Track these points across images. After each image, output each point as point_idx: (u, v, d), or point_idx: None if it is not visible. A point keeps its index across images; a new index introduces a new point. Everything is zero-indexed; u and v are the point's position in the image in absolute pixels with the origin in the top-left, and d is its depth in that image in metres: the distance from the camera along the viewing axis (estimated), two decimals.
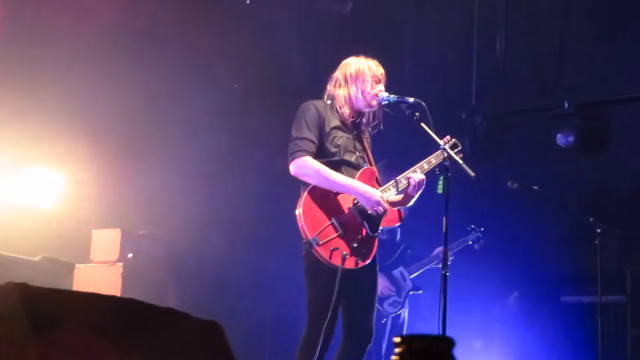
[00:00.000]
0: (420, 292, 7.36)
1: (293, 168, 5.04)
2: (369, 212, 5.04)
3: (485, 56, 8.83)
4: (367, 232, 5.06)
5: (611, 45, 8.28)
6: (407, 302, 7.32)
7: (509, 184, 7.46)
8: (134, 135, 7.94)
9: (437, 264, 7.33)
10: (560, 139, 8.32)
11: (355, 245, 4.98)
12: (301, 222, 4.90)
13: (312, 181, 5.01)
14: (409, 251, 7.43)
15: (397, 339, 2.05)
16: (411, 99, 5.19)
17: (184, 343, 2.76)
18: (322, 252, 4.87)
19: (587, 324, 7.48)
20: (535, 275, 8.34)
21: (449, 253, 7.11)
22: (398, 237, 7.43)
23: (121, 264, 7.02)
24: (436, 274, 7.11)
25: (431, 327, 5.14)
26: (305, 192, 4.98)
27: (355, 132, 5.31)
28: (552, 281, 8.29)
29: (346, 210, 5.04)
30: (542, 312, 8.35)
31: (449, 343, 2.04)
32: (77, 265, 7.12)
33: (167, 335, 2.69)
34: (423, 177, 5.24)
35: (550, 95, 8.63)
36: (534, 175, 8.06)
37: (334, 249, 4.89)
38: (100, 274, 7.00)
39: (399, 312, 7.23)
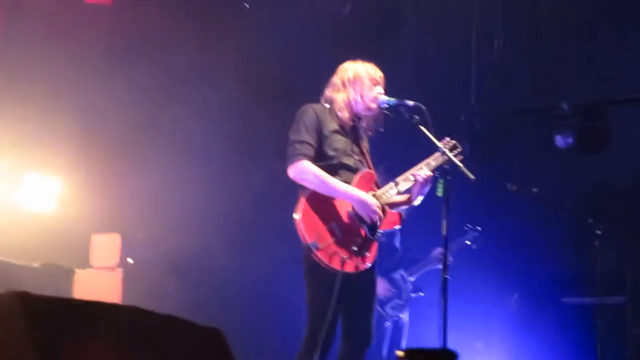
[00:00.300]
0: (422, 294, 7.36)
1: (292, 172, 5.04)
2: (365, 219, 5.04)
3: (484, 57, 8.82)
4: (366, 235, 5.06)
5: (610, 46, 8.28)
6: (407, 305, 7.31)
7: (509, 186, 7.46)
8: (132, 139, 7.94)
9: (437, 265, 7.32)
10: (559, 140, 8.30)
11: (355, 249, 4.98)
12: (300, 227, 4.90)
13: (311, 186, 5.01)
14: (408, 254, 7.43)
15: (401, 353, 2.05)
16: (411, 102, 5.20)
17: (185, 351, 2.75)
18: (322, 257, 4.87)
19: (587, 325, 7.48)
20: (535, 277, 8.34)
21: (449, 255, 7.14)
22: (397, 240, 7.42)
23: (121, 268, 7.02)
24: (436, 276, 7.12)
25: (432, 330, 5.15)
26: (304, 197, 4.99)
27: (354, 136, 5.31)
28: (552, 282, 8.29)
29: (345, 214, 5.04)
30: (542, 314, 8.35)
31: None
32: (77, 270, 7.12)
33: (169, 343, 2.69)
34: (430, 173, 5.23)
35: (549, 96, 8.62)
36: (534, 176, 8.07)
37: (333, 253, 4.89)
38: (100, 279, 7.01)
39: (401, 314, 7.23)
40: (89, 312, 2.60)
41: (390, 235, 7.29)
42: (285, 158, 5.11)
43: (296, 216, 4.94)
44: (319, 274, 4.95)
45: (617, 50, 8.24)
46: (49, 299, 2.61)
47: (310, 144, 5.07)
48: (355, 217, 5.05)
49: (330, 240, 4.92)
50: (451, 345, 4.53)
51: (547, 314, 8.32)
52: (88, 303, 2.72)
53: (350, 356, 5.12)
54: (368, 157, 5.36)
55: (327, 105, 5.28)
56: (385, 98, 5.24)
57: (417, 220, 7.29)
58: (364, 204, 5.02)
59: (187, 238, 7.66)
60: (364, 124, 5.35)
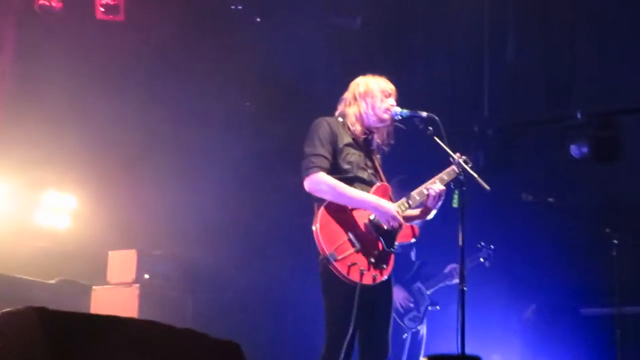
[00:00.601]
0: (438, 307, 7.33)
1: (308, 184, 5.03)
2: (385, 226, 5.03)
3: (497, 68, 8.81)
4: (383, 248, 5.04)
5: (623, 54, 8.25)
6: (425, 318, 7.29)
7: (524, 196, 7.43)
8: (146, 155, 7.97)
9: (451, 280, 7.31)
10: (574, 149, 8.27)
11: (373, 260, 4.97)
12: (318, 238, 4.89)
13: (327, 197, 5.00)
14: (425, 267, 7.41)
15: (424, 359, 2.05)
16: (424, 113, 5.19)
17: None
18: (340, 268, 4.86)
19: (606, 336, 7.43)
20: (552, 288, 8.29)
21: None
22: (413, 253, 7.40)
23: (138, 284, 7.04)
24: (452, 290, 7.10)
25: (449, 342, 5.11)
26: (322, 208, 4.97)
27: (367, 149, 5.31)
28: (570, 293, 8.24)
29: (362, 226, 5.03)
30: (560, 325, 8.30)
31: None
32: (94, 286, 7.15)
33: (188, 357, 2.69)
34: (443, 187, 5.22)
35: (562, 106, 8.59)
36: (549, 186, 8.04)
37: (352, 265, 4.88)
38: (117, 295, 7.03)
39: (419, 327, 7.21)
40: (106, 327, 2.60)
41: (406, 248, 7.27)
42: (300, 171, 5.10)
43: (314, 227, 4.93)
44: (337, 287, 4.92)
45: (631, 60, 8.21)
46: (67, 314, 2.62)
47: (325, 157, 5.06)
48: (373, 229, 5.04)
49: (348, 251, 4.91)
50: None
51: (565, 325, 8.26)
52: (106, 318, 2.73)
53: None
54: (381, 171, 5.35)
55: (341, 119, 5.28)
56: (397, 110, 5.24)
57: (434, 233, 7.28)
58: (383, 210, 5.01)
59: (203, 252, 7.68)
60: (377, 137, 5.34)
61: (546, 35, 8.80)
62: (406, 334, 7.14)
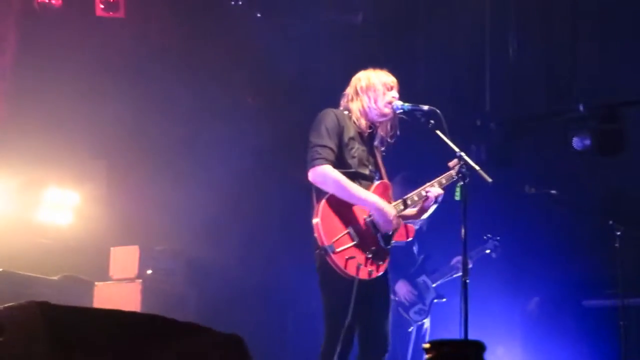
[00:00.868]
0: (444, 300, 7.34)
1: (312, 175, 5.02)
2: (383, 230, 5.03)
3: (498, 61, 8.80)
4: (380, 244, 5.05)
5: (624, 46, 8.24)
6: (430, 310, 7.29)
7: (527, 188, 7.43)
8: (149, 152, 7.98)
9: (457, 273, 7.31)
10: (576, 142, 8.26)
11: (370, 256, 4.97)
12: (318, 230, 4.89)
13: (330, 190, 4.99)
14: (430, 260, 7.41)
15: (427, 345, 2.04)
16: (425, 107, 5.19)
17: (206, 357, 2.75)
18: (337, 260, 4.86)
19: (610, 328, 7.42)
20: (555, 280, 8.28)
21: (470, 262, 7.14)
22: (416, 247, 7.40)
23: (140, 280, 7.04)
24: (457, 282, 7.11)
25: (453, 335, 5.12)
26: (323, 201, 4.97)
27: (370, 145, 5.31)
28: (573, 285, 8.24)
29: (362, 221, 5.03)
30: (563, 317, 8.29)
31: (479, 348, 2.03)
32: (96, 283, 7.15)
33: (190, 349, 2.68)
34: (441, 191, 5.26)
35: (565, 99, 8.58)
36: (551, 179, 8.03)
37: (349, 258, 4.88)
38: (119, 291, 7.03)
39: (425, 320, 7.21)
40: (109, 321, 2.60)
41: (409, 242, 7.27)
42: (305, 162, 5.09)
43: (315, 220, 4.93)
44: (335, 282, 4.93)
45: (633, 52, 8.20)
46: (69, 308, 2.62)
47: (331, 149, 5.05)
48: (371, 225, 5.04)
49: (347, 244, 4.92)
50: None
51: (568, 317, 8.26)
52: (108, 312, 2.73)
53: None
54: (382, 167, 5.36)
55: (347, 112, 5.28)
56: (399, 103, 5.24)
57: (439, 227, 7.28)
58: (382, 212, 5.02)
59: (205, 247, 7.68)
60: (381, 130, 5.34)
61: (548, 27, 8.79)
62: (412, 327, 7.15)
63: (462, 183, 5.10)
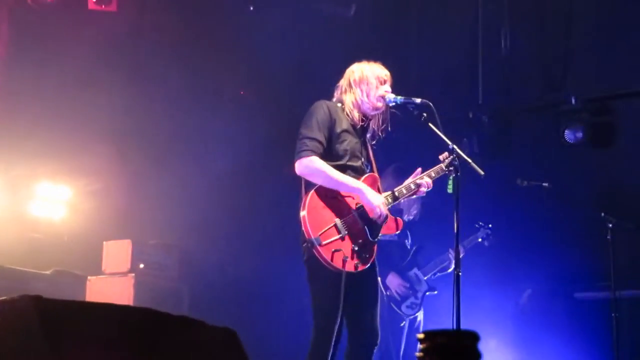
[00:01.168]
0: (436, 292, 7.35)
1: (299, 167, 5.03)
2: (370, 215, 5.03)
3: (491, 54, 8.80)
4: (367, 237, 5.06)
5: (617, 39, 8.25)
6: (423, 303, 7.30)
7: (519, 181, 7.44)
8: (141, 146, 7.96)
9: (449, 266, 7.33)
10: (568, 135, 8.28)
11: (356, 248, 4.99)
12: (305, 223, 4.90)
13: (318, 181, 5.00)
14: (421, 253, 7.41)
15: (421, 335, 2.05)
16: (418, 100, 5.20)
17: (199, 351, 2.75)
18: (324, 253, 4.87)
19: (602, 320, 7.44)
20: (547, 272, 8.30)
21: (462, 252, 7.15)
22: (409, 240, 7.41)
23: (133, 274, 7.04)
24: (449, 275, 7.12)
25: (446, 328, 5.12)
26: (310, 193, 4.98)
27: (362, 138, 5.31)
28: (565, 278, 8.26)
29: (349, 213, 5.04)
30: (555, 309, 8.31)
31: (474, 338, 2.03)
32: (89, 277, 7.15)
33: (183, 343, 2.68)
34: (429, 181, 5.31)
35: (557, 91, 8.60)
36: (544, 172, 8.04)
37: (336, 251, 4.89)
38: (112, 285, 7.03)
39: (417, 313, 7.22)
40: (102, 315, 2.60)
41: (401, 235, 7.28)
42: (294, 153, 5.10)
43: (302, 213, 4.94)
44: (322, 275, 4.95)
45: (625, 44, 8.21)
46: (62, 302, 2.61)
47: (320, 142, 5.06)
48: (359, 217, 5.05)
49: (334, 237, 4.93)
50: None
51: (560, 309, 8.28)
52: (101, 305, 2.73)
53: (358, 355, 5.12)
54: (373, 160, 5.37)
55: (340, 104, 5.28)
56: (392, 96, 5.24)
57: (432, 219, 7.29)
58: (367, 198, 5.03)
59: (198, 242, 7.67)
60: (373, 123, 5.34)
61: (541, 20, 8.79)
62: (404, 322, 7.15)
63: (454, 176, 5.12)
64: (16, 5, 7.69)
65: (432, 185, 5.33)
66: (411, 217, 7.36)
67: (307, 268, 5.05)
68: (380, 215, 5.05)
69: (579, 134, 8.25)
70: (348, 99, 5.26)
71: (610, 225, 7.07)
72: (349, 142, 5.17)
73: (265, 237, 8.11)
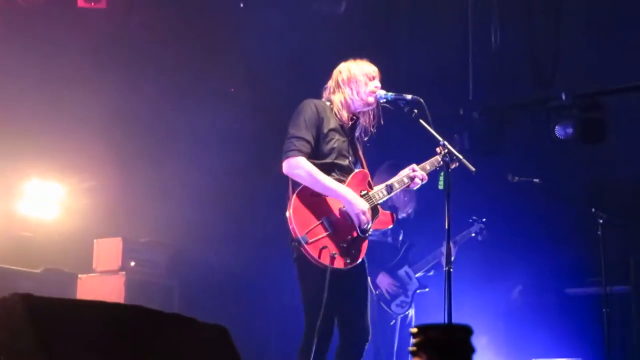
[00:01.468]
0: (427, 290, 7.35)
1: (285, 167, 5.05)
2: (354, 220, 5.04)
3: (481, 50, 8.81)
4: (357, 233, 5.07)
5: (607, 35, 8.26)
6: (413, 301, 7.29)
7: (510, 177, 7.45)
8: (131, 143, 7.93)
9: (442, 261, 7.31)
10: (559, 130, 8.30)
11: (345, 245, 5.00)
12: (291, 222, 4.92)
13: (302, 181, 5.02)
14: (412, 250, 7.40)
15: (414, 330, 2.04)
16: (409, 96, 5.21)
17: (191, 348, 2.75)
18: (311, 251, 4.89)
19: (593, 315, 7.47)
20: (538, 268, 8.32)
21: (454, 247, 7.15)
22: (401, 237, 7.40)
23: (124, 272, 7.02)
24: (441, 272, 7.12)
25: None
26: (296, 192, 5.00)
27: (351, 136, 5.32)
28: (556, 274, 8.28)
29: (337, 211, 5.06)
30: (547, 305, 8.33)
31: (467, 331, 2.03)
32: (79, 275, 7.12)
33: (175, 340, 2.68)
34: (424, 174, 5.32)
35: (547, 88, 8.61)
36: (534, 168, 8.05)
37: (323, 248, 4.91)
38: (103, 283, 7.01)
39: (407, 311, 7.21)
40: (93, 312, 2.59)
41: (394, 233, 7.28)
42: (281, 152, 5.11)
43: (288, 212, 4.96)
44: (311, 273, 4.97)
45: (615, 40, 8.22)
46: (53, 300, 2.60)
47: (307, 141, 5.07)
48: (347, 214, 5.06)
49: (320, 235, 4.94)
50: None
51: (552, 305, 8.30)
52: (92, 303, 2.72)
53: (349, 353, 5.13)
54: (363, 158, 5.38)
55: (329, 103, 5.29)
56: (382, 92, 5.25)
57: (422, 216, 7.28)
58: (352, 204, 5.03)
59: (189, 239, 7.66)
60: (363, 120, 5.34)
61: (531, 16, 8.80)
62: (394, 321, 7.15)
63: (445, 172, 5.13)
64: (5, 4, 7.65)
65: (427, 177, 5.34)
66: (405, 215, 7.36)
67: (297, 266, 5.08)
68: (363, 222, 5.05)
69: (569, 130, 8.27)
70: (337, 98, 5.27)
71: (601, 221, 7.09)
72: (337, 141, 5.18)
73: (257, 235, 8.10)
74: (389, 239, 7.24)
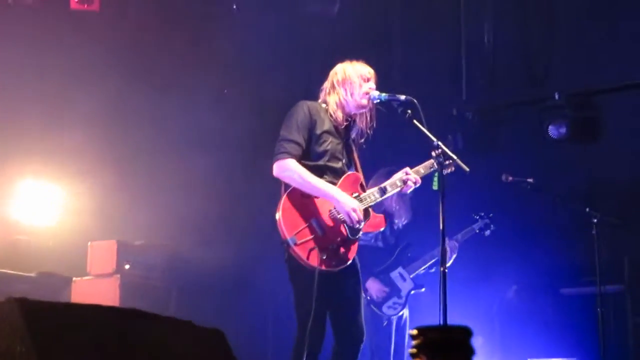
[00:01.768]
0: (423, 290, 7.33)
1: (275, 169, 5.08)
2: (344, 219, 5.04)
3: (474, 50, 8.82)
4: (347, 235, 5.08)
5: (600, 34, 8.27)
6: (408, 302, 7.28)
7: (503, 177, 7.44)
8: (126, 146, 7.93)
9: (438, 260, 7.28)
10: (552, 130, 8.31)
11: (334, 247, 5.02)
12: (280, 224, 4.94)
13: (292, 183, 5.05)
14: (408, 251, 7.38)
15: (414, 331, 2.04)
16: (402, 97, 5.21)
17: (187, 351, 2.74)
18: (299, 252, 4.91)
19: (588, 315, 7.47)
20: (533, 268, 8.32)
21: (456, 244, 7.14)
22: (394, 240, 7.38)
23: (118, 275, 7.01)
24: (435, 272, 7.10)
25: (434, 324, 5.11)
26: (285, 195, 5.03)
27: (346, 138, 5.33)
28: (551, 273, 8.28)
29: (327, 213, 5.08)
30: (542, 305, 8.34)
31: (466, 333, 2.04)
32: (74, 278, 7.11)
33: (171, 344, 2.67)
34: (418, 178, 5.33)
35: (540, 87, 8.62)
36: (528, 168, 8.05)
37: (312, 249, 4.94)
38: (97, 286, 7.00)
39: (400, 313, 7.20)
40: (88, 316, 2.59)
41: (386, 237, 7.27)
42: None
43: (277, 215, 4.97)
44: (301, 274, 4.99)
45: (608, 39, 8.24)
46: (48, 304, 2.60)
47: (298, 143, 5.09)
48: (337, 216, 5.07)
49: (309, 236, 4.96)
50: None
51: (547, 305, 8.31)
52: (88, 307, 2.71)
53: (345, 354, 5.14)
54: (357, 161, 5.39)
55: (324, 105, 5.30)
56: (376, 93, 5.26)
57: (418, 217, 7.28)
58: (341, 203, 5.04)
59: (184, 242, 7.65)
60: (359, 122, 5.35)
61: (523, 15, 8.81)
62: (386, 321, 7.13)
63: (439, 172, 5.13)
64: None
65: (420, 181, 5.35)
66: (402, 221, 7.33)
67: (288, 268, 5.12)
68: (355, 220, 5.05)
69: (563, 130, 8.28)
70: (332, 99, 5.29)
71: (595, 221, 7.09)
72: (330, 143, 5.19)
73: (252, 237, 8.09)
74: (380, 243, 7.24)
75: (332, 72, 5.40)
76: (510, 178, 7.45)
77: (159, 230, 7.62)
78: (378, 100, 5.27)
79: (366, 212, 5.20)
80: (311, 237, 4.97)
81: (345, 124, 5.31)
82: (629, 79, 8.13)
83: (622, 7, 8.21)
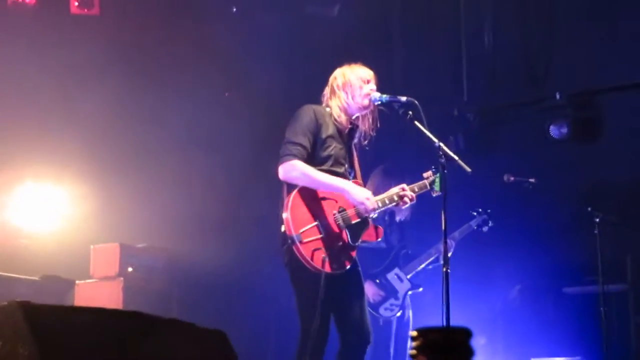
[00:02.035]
0: (421, 289, 7.32)
1: (281, 171, 5.09)
2: (360, 211, 5.05)
3: (474, 51, 8.83)
4: (348, 241, 5.09)
5: (600, 34, 8.28)
6: (408, 301, 7.27)
7: (505, 178, 7.45)
8: (128, 149, 7.94)
9: (436, 259, 7.28)
10: (553, 130, 8.31)
11: (335, 251, 5.04)
12: (287, 222, 4.94)
13: (300, 182, 5.05)
14: (404, 251, 7.37)
15: (414, 333, 2.05)
16: (403, 98, 5.22)
17: (190, 353, 2.75)
18: (304, 251, 4.92)
19: (590, 314, 7.47)
20: (535, 268, 8.31)
21: (452, 242, 7.13)
22: (395, 238, 7.38)
23: (121, 278, 7.01)
24: (437, 272, 7.10)
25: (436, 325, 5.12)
26: (292, 195, 5.03)
27: (348, 144, 5.36)
28: (553, 273, 8.27)
29: (330, 217, 5.10)
30: (544, 305, 8.33)
31: (466, 334, 2.04)
32: (77, 281, 7.12)
33: (173, 345, 2.68)
34: (413, 195, 5.37)
35: (541, 87, 8.62)
36: (529, 168, 8.05)
37: (315, 250, 4.96)
38: (101, 290, 7.01)
39: (397, 314, 7.19)
40: (91, 319, 2.59)
41: (396, 232, 7.28)
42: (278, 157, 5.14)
43: (284, 214, 4.98)
44: (303, 276, 5.00)
45: (608, 39, 8.24)
46: (51, 307, 2.61)
47: (303, 146, 5.09)
48: (340, 220, 5.10)
49: (315, 236, 4.97)
50: None
51: (549, 304, 8.30)
52: (90, 310, 2.72)
53: (351, 356, 5.14)
54: (357, 166, 5.42)
55: (328, 109, 5.31)
56: (377, 95, 5.28)
57: (417, 217, 7.28)
58: (353, 194, 5.08)
59: (187, 244, 7.65)
60: (362, 124, 5.37)
61: (524, 15, 8.81)
62: (381, 323, 7.12)
63: (440, 174, 5.13)
64: None
65: (415, 199, 5.39)
66: (403, 218, 7.35)
67: (289, 271, 5.12)
68: (369, 209, 5.09)
69: (564, 130, 8.29)
70: (334, 103, 5.31)
71: (597, 220, 7.09)
72: (334, 148, 5.21)
73: (255, 240, 8.08)
74: (382, 244, 7.23)
75: (331, 77, 5.42)
76: (512, 178, 7.46)
77: (161, 232, 7.63)
78: (379, 102, 5.28)
79: (365, 220, 5.21)
80: (316, 237, 4.98)
81: (349, 127, 5.32)
82: (629, 79, 8.13)
83: (622, 7, 8.21)
